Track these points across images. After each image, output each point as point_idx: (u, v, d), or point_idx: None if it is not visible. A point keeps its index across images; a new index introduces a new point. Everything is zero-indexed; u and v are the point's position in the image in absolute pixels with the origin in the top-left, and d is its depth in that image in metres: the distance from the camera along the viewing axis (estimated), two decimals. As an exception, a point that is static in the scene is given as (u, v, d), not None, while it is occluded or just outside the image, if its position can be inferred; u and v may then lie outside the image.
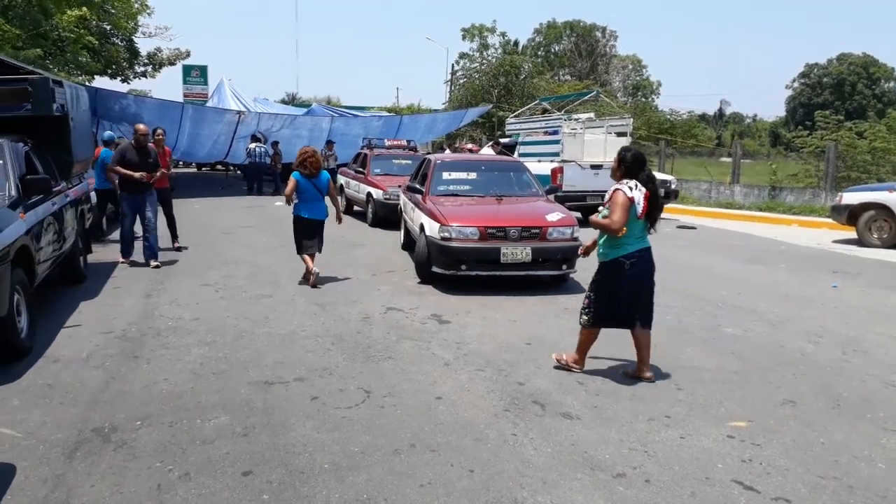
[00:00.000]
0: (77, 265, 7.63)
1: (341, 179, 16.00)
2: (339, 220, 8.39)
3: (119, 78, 30.79)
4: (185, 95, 36.14)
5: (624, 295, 4.65)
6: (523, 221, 7.47)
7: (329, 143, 20.93)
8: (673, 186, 16.72)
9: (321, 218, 7.92)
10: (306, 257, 7.84)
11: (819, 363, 5.22)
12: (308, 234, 7.87)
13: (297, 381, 4.67)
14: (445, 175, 8.84)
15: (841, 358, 5.35)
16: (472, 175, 8.80)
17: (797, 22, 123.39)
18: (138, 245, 8.88)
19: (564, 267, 7.52)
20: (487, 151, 14.55)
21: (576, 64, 65.41)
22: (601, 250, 4.74)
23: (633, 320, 4.71)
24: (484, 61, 43.72)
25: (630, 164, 4.64)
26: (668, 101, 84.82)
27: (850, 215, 12.07)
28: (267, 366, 5.00)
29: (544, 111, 17.05)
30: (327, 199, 8.04)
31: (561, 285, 7.86)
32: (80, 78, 26.37)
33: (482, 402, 4.29)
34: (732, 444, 3.69)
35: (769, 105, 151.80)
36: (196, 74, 40.12)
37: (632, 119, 15.51)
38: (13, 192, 5.61)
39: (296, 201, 7.78)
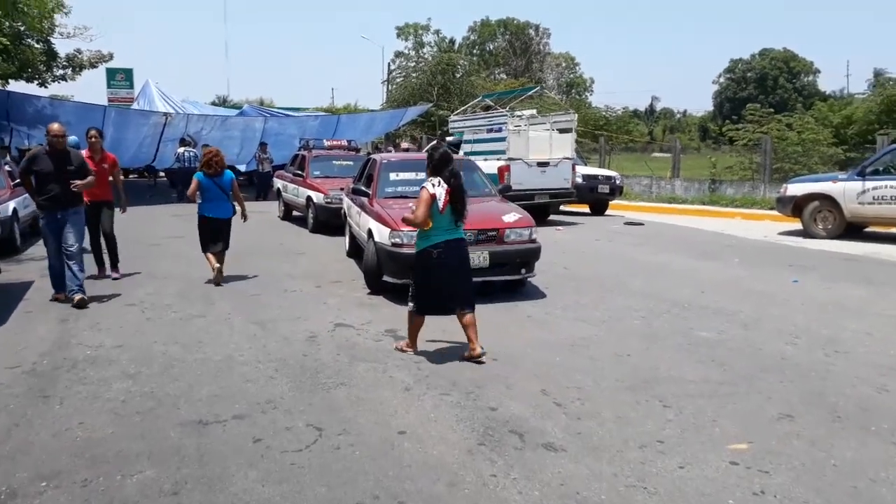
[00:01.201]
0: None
1: (278, 183, 15.24)
2: (244, 217, 8.48)
3: (36, 81, 28.89)
4: (110, 100, 34.30)
5: (436, 282, 5.06)
6: (479, 224, 7.00)
7: (262, 146, 20.07)
8: (618, 182, 16.64)
9: (226, 217, 8.09)
10: (210, 256, 7.98)
11: (802, 367, 4.93)
12: (213, 233, 8.01)
13: (237, 418, 4.05)
14: (392, 176, 8.29)
15: (824, 360, 5.07)
16: (421, 175, 8.22)
17: (722, 18, 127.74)
18: None
19: (524, 271, 7.09)
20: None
21: (511, 62, 65.71)
22: (416, 241, 5.21)
23: (454, 306, 5.10)
24: (420, 60, 43.25)
25: (437, 163, 5.11)
26: (600, 98, 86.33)
27: (795, 207, 12.12)
28: (201, 400, 4.36)
29: (487, 108, 16.68)
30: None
31: (519, 290, 7.43)
32: (-6, 82, 24.60)
33: (452, 436, 3.77)
34: (738, 472, 3.29)
35: (697, 100, 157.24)
36: (121, 78, 38.24)
37: (576, 115, 15.28)
38: None
39: (199, 201, 7.99)
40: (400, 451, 3.58)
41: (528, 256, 7.06)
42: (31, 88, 28.01)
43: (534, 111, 16.93)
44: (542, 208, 13.75)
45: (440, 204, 4.94)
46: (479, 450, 3.58)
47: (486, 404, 4.22)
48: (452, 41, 59.47)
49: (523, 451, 3.57)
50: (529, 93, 18.37)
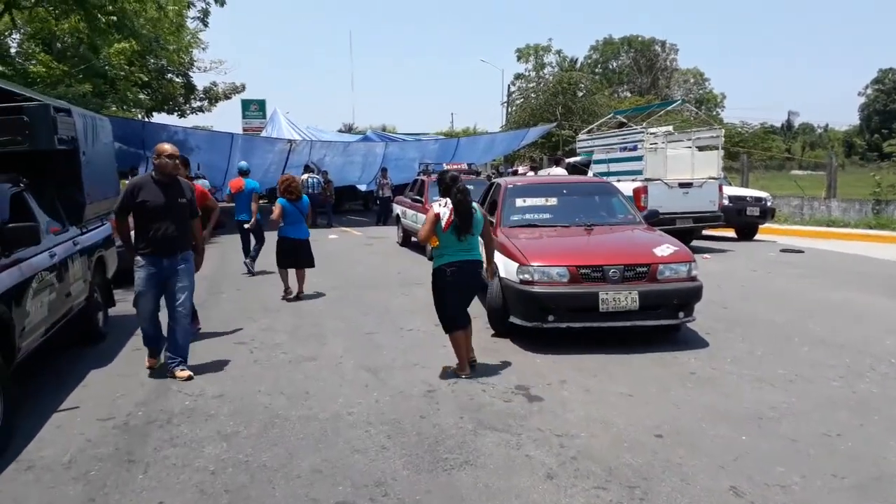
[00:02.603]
0: (92, 323, 6.49)
1: (397, 209, 14.74)
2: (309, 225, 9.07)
3: (176, 113, 30.80)
4: (245, 130, 35.97)
5: (452, 298, 5.23)
6: (626, 258, 5.94)
7: (383, 171, 19.91)
8: (769, 204, 14.82)
9: (304, 237, 8.78)
10: (286, 273, 8.67)
11: None
12: (291, 252, 8.67)
13: (340, 508, 3.25)
14: (519, 202, 7.38)
15: None
16: (552, 201, 7.31)
17: (866, 25, 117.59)
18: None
19: (681, 315, 5.92)
20: (559, 172, 13.02)
21: (635, 80, 63.45)
22: (433, 260, 5.37)
23: (462, 324, 5.29)
24: (541, 80, 42.35)
25: (448, 185, 5.22)
26: (733, 115, 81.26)
27: None
28: (300, 477, 3.61)
29: (620, 125, 15.43)
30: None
31: (674, 337, 6.26)
32: (137, 114, 26.28)
33: (619, 560, 2.77)
34: None
35: (839, 114, 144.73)
36: (255, 108, 40.32)
37: (722, 130, 13.72)
38: (-16, 246, 4.41)
39: (281, 224, 8.65)
40: (548, 581, 2.63)
41: (688, 297, 5.90)
42: (172, 120, 29.82)
43: (670, 128, 15.51)
44: (683, 233, 12.31)
45: (443, 223, 5.11)
46: (662, 591, 2.56)
47: (659, 508, 3.17)
48: (574, 61, 58.05)
49: None
50: (669, 107, 16.90)
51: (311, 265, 8.89)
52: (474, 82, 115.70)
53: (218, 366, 5.75)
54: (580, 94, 36.31)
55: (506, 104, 42.59)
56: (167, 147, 5.39)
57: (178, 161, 5.53)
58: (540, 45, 52.43)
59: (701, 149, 13.38)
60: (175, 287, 5.41)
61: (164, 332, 5.59)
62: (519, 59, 53.14)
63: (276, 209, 8.57)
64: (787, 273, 10.07)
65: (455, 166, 15.24)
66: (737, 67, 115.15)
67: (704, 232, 14.44)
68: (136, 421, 4.52)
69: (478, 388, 4.95)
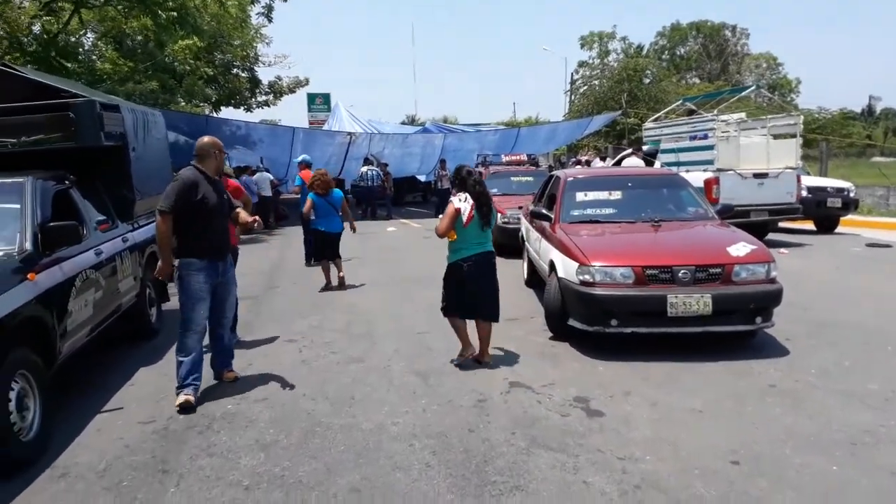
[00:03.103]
0: (144, 319, 6.44)
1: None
2: (353, 229, 9.10)
3: (242, 107, 31.32)
4: (311, 123, 36.26)
5: (467, 291, 5.27)
6: (697, 257, 5.44)
7: (442, 163, 19.69)
8: (852, 195, 13.80)
9: (336, 230, 8.91)
10: (326, 265, 8.85)
11: None
12: (324, 245, 8.90)
13: (376, 537, 2.97)
14: (580, 196, 6.93)
15: None
16: (616, 195, 6.83)
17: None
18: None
19: (759, 320, 5.39)
20: (633, 162, 12.39)
21: (704, 66, 61.15)
22: (448, 253, 5.39)
23: (477, 314, 5.37)
24: (605, 68, 41.19)
25: (464, 178, 5.29)
26: (809, 100, 77.23)
27: None
28: (336, 495, 3.36)
29: (690, 112, 14.64)
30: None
31: (750, 344, 5.73)
32: (204, 109, 26.84)
33: None
34: None
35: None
36: (320, 102, 40.66)
37: (801, 117, 12.81)
38: (27, 245, 4.36)
39: (313, 217, 8.91)
40: None
41: (766, 301, 5.36)
42: (238, 114, 30.31)
43: (742, 115, 14.64)
44: (758, 227, 11.56)
45: (464, 218, 5.12)
46: None
47: (738, 553, 2.76)
48: (640, 47, 56.34)
49: None
50: (742, 93, 15.93)
51: (337, 256, 9.00)
52: (537, 71, 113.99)
53: (266, 365, 5.59)
54: (646, 80, 35.14)
55: (569, 92, 41.69)
56: (206, 140, 4.94)
57: (223, 151, 5.09)
58: (604, 31, 51.10)
59: (777, 137, 12.55)
60: (226, 294, 5.05)
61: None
62: (582, 46, 51.90)
63: (307, 203, 8.86)
64: (874, 270, 9.26)
65: (514, 157, 14.89)
66: (812, 51, 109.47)
67: (781, 224, 13.59)
68: (176, 426, 4.37)
69: (533, 398, 4.60)
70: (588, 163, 22.52)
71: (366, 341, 6.25)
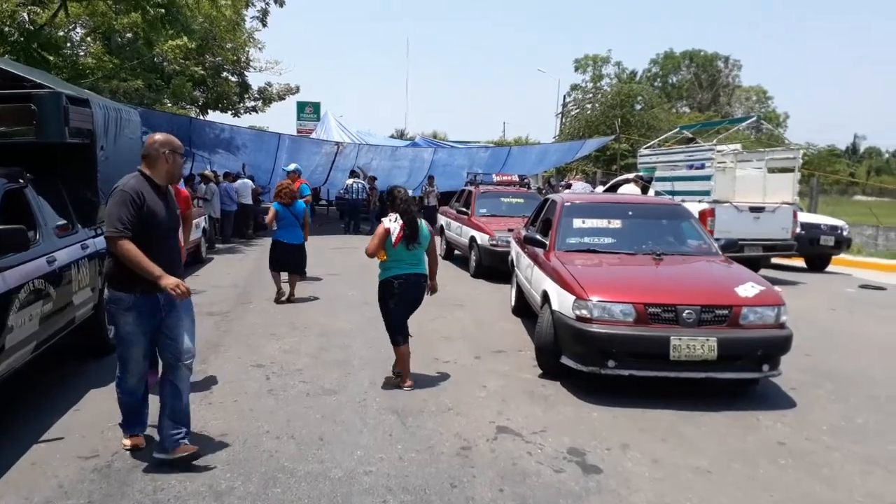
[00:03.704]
0: (101, 334, 5.92)
1: (441, 220, 14.01)
2: (305, 238, 8.99)
3: (230, 112, 30.76)
4: (299, 132, 35.72)
5: (398, 311, 5.34)
6: (703, 297, 5.05)
7: (430, 179, 19.34)
8: (845, 234, 13.57)
9: (297, 242, 8.83)
10: (277, 275, 8.80)
11: None
12: (283, 255, 8.77)
13: None
14: (577, 223, 6.54)
15: None
16: (616, 223, 6.44)
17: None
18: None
19: (766, 368, 5.00)
20: (630, 190, 12.08)
21: (695, 95, 61.60)
22: (380, 272, 5.41)
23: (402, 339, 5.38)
24: (598, 92, 41.18)
25: (394, 198, 5.37)
26: (794, 135, 78.00)
27: None
28: (295, 564, 2.89)
29: (688, 141, 14.39)
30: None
31: (752, 392, 5.34)
32: (191, 111, 26.28)
33: None
34: None
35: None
36: (309, 111, 40.22)
37: (801, 151, 12.59)
38: (-39, 252, 3.86)
39: (275, 228, 8.78)
40: None
41: (775, 348, 4.98)
42: (225, 118, 29.74)
43: (738, 146, 14.43)
44: (751, 262, 11.24)
45: (393, 238, 5.19)
46: None
47: None
48: (633, 73, 56.66)
49: None
50: (744, 123, 15.72)
51: (300, 273, 9.03)
52: (528, 92, 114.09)
53: (228, 393, 5.10)
54: (638, 107, 35.10)
55: (560, 115, 41.60)
56: (158, 138, 3.83)
57: (179, 152, 3.92)
58: (599, 55, 51.28)
59: (772, 171, 12.30)
60: (177, 328, 3.81)
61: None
62: (577, 69, 52.01)
63: (270, 213, 8.76)
64: (872, 314, 8.95)
65: (505, 177, 14.49)
66: (801, 87, 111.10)
67: (773, 261, 13.32)
68: (120, 463, 3.87)
69: (522, 448, 4.15)
70: (568, 186, 22.27)
71: (340, 370, 5.77)
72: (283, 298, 8.63)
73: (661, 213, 6.87)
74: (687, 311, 4.93)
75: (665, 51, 64.62)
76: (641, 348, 4.93)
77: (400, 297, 5.27)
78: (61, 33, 18.05)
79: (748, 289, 5.17)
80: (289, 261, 8.80)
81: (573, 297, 5.16)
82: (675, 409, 4.88)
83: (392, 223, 5.23)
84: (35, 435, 4.23)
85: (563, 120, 40.27)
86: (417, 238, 5.26)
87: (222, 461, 3.92)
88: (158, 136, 3.86)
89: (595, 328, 4.97)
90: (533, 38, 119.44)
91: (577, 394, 5.14)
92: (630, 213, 6.67)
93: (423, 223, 5.40)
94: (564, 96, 43.89)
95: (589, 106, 37.63)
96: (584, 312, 5.05)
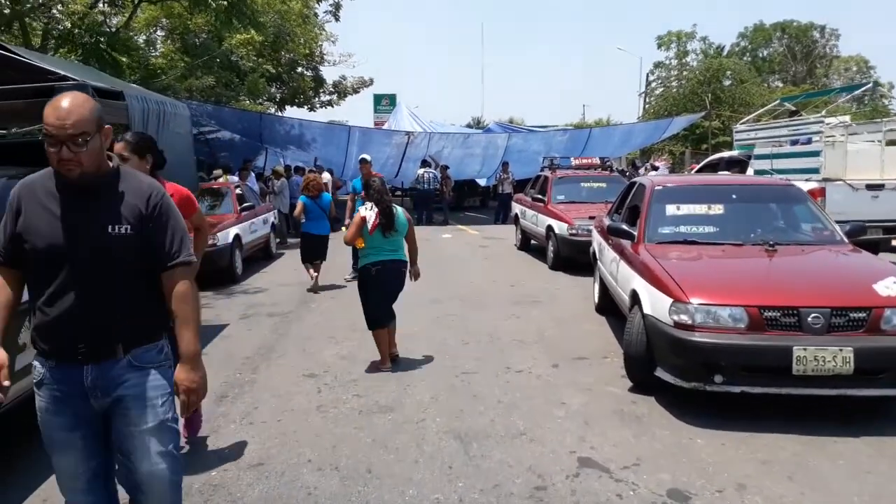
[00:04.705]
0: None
1: (516, 208, 13.20)
2: (333, 229, 9.42)
3: (306, 106, 30.89)
4: (376, 124, 35.54)
5: (375, 296, 5.43)
6: (833, 297, 4.09)
7: (504, 165, 18.52)
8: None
9: (324, 233, 9.13)
10: (310, 267, 9.06)
11: None
12: (313, 247, 9.10)
13: None
14: (671, 209, 5.62)
15: None
16: (717, 209, 5.49)
17: None
18: None
19: (918, 385, 4.01)
20: (722, 173, 10.93)
21: (788, 69, 57.72)
22: (359, 258, 5.58)
23: (386, 322, 5.50)
24: (684, 68, 39.03)
25: (371, 190, 5.45)
26: (901, 106, 71.71)
27: None
28: None
29: (791, 114, 12.98)
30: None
31: (888, 410, 4.34)
32: (269, 107, 26.47)
33: None
34: None
35: None
36: (386, 103, 40.12)
37: (930, 121, 11.03)
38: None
39: (303, 220, 9.04)
40: None
41: (930, 360, 3.98)
42: (302, 113, 29.87)
43: (846, 118, 12.91)
44: (868, 246, 9.90)
45: (370, 225, 5.28)
46: None
47: None
48: (721, 48, 53.57)
49: None
50: (859, 90, 14.16)
51: (322, 258, 9.26)
52: (608, 72, 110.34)
53: (273, 410, 4.56)
54: (727, 82, 32.95)
55: (644, 94, 39.70)
56: (64, 102, 2.17)
57: (105, 136, 2.25)
58: (683, 31, 48.63)
59: (891, 143, 10.84)
60: (128, 438, 2.27)
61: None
62: (659, 46, 49.47)
63: (298, 206, 9.05)
64: None
65: (584, 160, 13.51)
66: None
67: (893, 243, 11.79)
68: None
69: (611, 489, 3.37)
70: (654, 167, 20.84)
71: (398, 382, 5.13)
72: (311, 286, 8.96)
73: (770, 196, 5.83)
74: (813, 315, 3.99)
75: (755, 23, 60.75)
76: (756, 361, 4.03)
77: (378, 283, 5.35)
78: (143, 38, 18.40)
79: (890, 285, 4.17)
80: (318, 251, 9.14)
81: (670, 300, 4.30)
82: (798, 432, 3.97)
83: (368, 211, 5.37)
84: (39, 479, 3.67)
85: (647, 99, 38.42)
86: (393, 226, 5.37)
87: (253, 499, 3.35)
88: (62, 101, 2.20)
89: (698, 337, 4.10)
90: (611, 17, 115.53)
91: (675, 413, 4.29)
92: (734, 195, 5.68)
93: (401, 211, 5.51)
94: (647, 74, 41.93)
95: (675, 83, 35.66)
96: (684, 318, 4.19)
